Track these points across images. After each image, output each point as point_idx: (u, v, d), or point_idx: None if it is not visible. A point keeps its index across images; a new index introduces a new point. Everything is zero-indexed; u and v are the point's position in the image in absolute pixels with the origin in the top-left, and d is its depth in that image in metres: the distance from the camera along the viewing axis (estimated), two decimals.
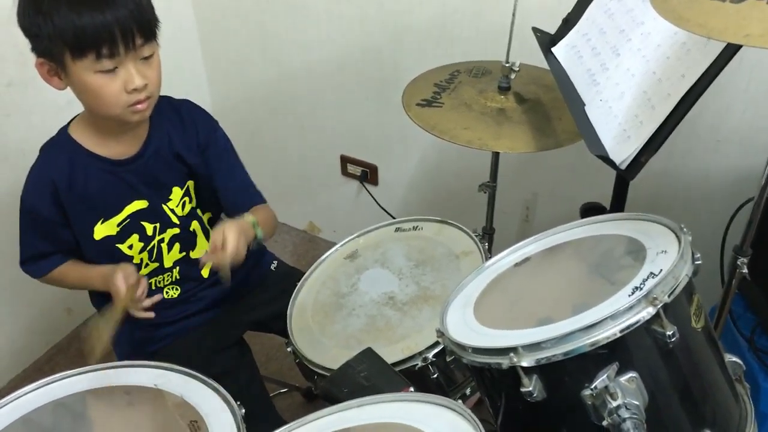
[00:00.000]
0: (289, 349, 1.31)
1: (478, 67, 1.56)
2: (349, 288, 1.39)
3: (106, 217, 1.32)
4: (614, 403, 0.82)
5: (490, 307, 1.02)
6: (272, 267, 1.58)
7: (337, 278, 1.42)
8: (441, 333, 1.00)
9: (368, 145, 2.19)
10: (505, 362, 0.85)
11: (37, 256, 1.35)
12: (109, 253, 1.34)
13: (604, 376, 0.83)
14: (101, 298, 1.39)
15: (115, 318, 1.23)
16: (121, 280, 1.24)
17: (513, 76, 1.44)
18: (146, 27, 1.17)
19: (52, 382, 1.14)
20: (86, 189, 1.29)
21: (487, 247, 1.38)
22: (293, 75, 2.17)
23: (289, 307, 1.37)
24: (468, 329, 0.98)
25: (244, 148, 2.43)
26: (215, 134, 1.42)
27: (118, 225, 1.33)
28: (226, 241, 1.19)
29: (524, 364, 0.84)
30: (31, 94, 1.77)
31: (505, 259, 1.13)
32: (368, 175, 2.23)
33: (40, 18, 1.12)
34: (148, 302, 1.31)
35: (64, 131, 1.31)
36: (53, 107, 1.71)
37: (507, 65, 1.43)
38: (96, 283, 1.35)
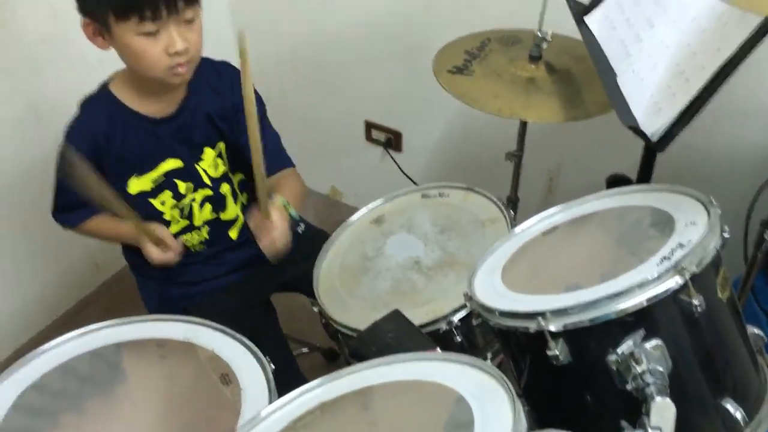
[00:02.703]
0: (315, 309, 1.34)
1: (509, 35, 1.56)
2: (375, 251, 1.41)
3: (141, 173, 1.35)
4: (639, 369, 0.84)
5: (517, 273, 1.04)
6: (299, 229, 1.60)
7: (363, 241, 1.44)
8: (469, 296, 1.02)
9: (393, 112, 2.20)
10: (532, 326, 0.88)
11: (71, 206, 1.39)
12: (142, 206, 1.37)
13: (630, 342, 0.85)
14: (133, 252, 1.43)
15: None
16: (153, 250, 1.32)
17: (544, 45, 1.43)
18: None
19: (88, 333, 1.18)
20: (124, 144, 1.32)
21: (512, 215, 1.39)
22: (321, 40, 2.17)
23: (315, 268, 1.40)
24: (495, 293, 1.00)
25: (270, 112, 2.44)
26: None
27: (153, 181, 1.37)
28: (277, 238, 1.27)
29: (551, 328, 0.86)
30: (64, 50, 1.78)
31: (533, 227, 1.15)
32: (392, 141, 2.24)
33: None
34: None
35: (104, 87, 1.34)
36: (85, 65, 1.73)
37: (539, 35, 1.42)
38: (126, 236, 1.39)
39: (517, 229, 1.15)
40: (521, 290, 0.99)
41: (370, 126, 2.26)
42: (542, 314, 0.87)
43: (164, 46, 1.19)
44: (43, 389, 1.08)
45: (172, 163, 1.37)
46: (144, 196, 1.37)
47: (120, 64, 1.30)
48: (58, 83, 1.80)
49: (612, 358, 0.86)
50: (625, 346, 0.85)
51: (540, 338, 0.88)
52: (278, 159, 1.48)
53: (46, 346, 1.15)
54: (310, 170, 2.51)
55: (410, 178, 2.22)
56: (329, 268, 1.41)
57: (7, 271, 1.89)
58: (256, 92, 1.44)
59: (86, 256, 2.07)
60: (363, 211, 1.52)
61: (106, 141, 1.31)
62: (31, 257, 1.93)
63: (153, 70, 1.22)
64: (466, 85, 1.40)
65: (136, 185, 1.36)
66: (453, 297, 1.22)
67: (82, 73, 1.76)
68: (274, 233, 1.28)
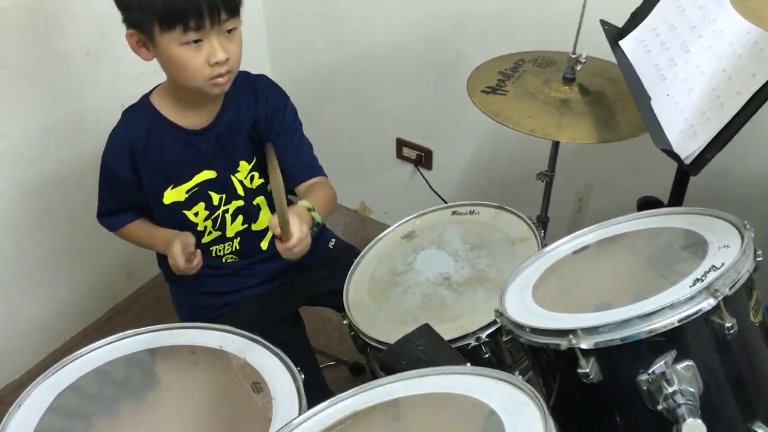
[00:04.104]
0: (345, 322, 1.36)
1: (543, 57, 1.58)
2: (405, 266, 1.43)
3: (176, 184, 1.38)
4: (670, 389, 0.84)
5: (548, 291, 1.05)
6: (330, 245, 1.63)
7: (393, 257, 1.46)
8: (500, 313, 1.03)
9: (424, 130, 2.22)
10: (563, 343, 0.88)
11: (111, 211, 1.44)
12: (175, 217, 1.40)
13: (662, 363, 0.86)
14: (165, 259, 1.47)
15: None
16: (178, 249, 1.31)
17: (578, 67, 1.45)
18: (231, 2, 1.22)
19: (124, 338, 1.21)
20: (161, 155, 1.35)
21: (542, 234, 1.40)
22: (355, 57, 2.20)
23: (346, 282, 1.41)
24: (526, 310, 1.01)
25: (303, 126, 2.48)
26: (285, 108, 1.47)
27: (187, 192, 1.39)
28: (292, 234, 1.19)
29: (583, 346, 0.87)
30: (106, 64, 1.83)
31: (564, 246, 1.16)
32: (423, 159, 2.26)
33: None
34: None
35: (145, 98, 1.37)
36: (126, 78, 1.78)
37: (573, 56, 1.44)
38: (158, 245, 1.42)
39: (548, 247, 1.16)
40: (552, 308, 1.00)
41: (401, 143, 2.28)
42: (573, 332, 0.88)
43: (206, 57, 1.22)
44: (78, 392, 1.11)
45: (206, 175, 1.40)
46: (178, 206, 1.40)
47: (158, 77, 1.34)
48: (100, 95, 1.85)
49: (643, 377, 0.87)
50: (657, 367, 0.86)
51: (571, 356, 0.88)
52: (310, 168, 1.50)
53: (83, 350, 1.18)
54: (340, 186, 2.52)
55: (440, 196, 2.23)
56: (359, 281, 1.42)
57: (43, 277, 1.93)
58: (291, 104, 1.49)
59: (119, 264, 2.11)
60: (394, 226, 1.54)
61: (143, 150, 1.35)
62: (66, 264, 1.97)
63: (194, 79, 1.25)
64: (499, 105, 1.42)
65: (171, 196, 1.39)
66: (482, 313, 1.23)
67: (123, 85, 1.82)
68: (292, 239, 1.20)
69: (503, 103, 1.42)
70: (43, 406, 1.07)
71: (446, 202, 2.19)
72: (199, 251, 1.35)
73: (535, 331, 0.93)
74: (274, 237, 1.40)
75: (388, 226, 1.55)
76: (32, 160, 1.78)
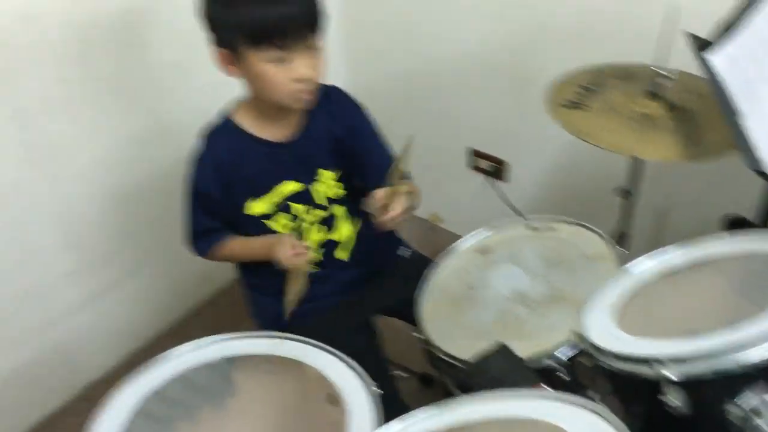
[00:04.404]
0: (417, 336, 1.35)
1: (625, 70, 1.54)
2: (480, 282, 1.41)
3: (259, 195, 1.41)
4: (761, 422, 0.81)
5: (631, 314, 1.02)
6: (403, 253, 1.63)
7: (468, 271, 1.45)
8: (580, 335, 1.01)
9: (499, 141, 2.20)
10: (649, 372, 0.86)
11: (205, 231, 1.45)
12: (259, 228, 1.43)
13: (752, 395, 0.82)
14: (249, 270, 1.50)
15: (298, 284, 1.38)
16: (290, 239, 1.35)
17: (663, 81, 1.41)
18: (316, 21, 1.25)
19: (204, 346, 1.24)
20: (247, 169, 1.38)
21: (622, 252, 1.37)
22: (431, 67, 2.20)
23: (419, 294, 1.41)
24: (609, 334, 0.99)
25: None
26: (362, 117, 1.50)
27: (271, 203, 1.42)
28: (395, 204, 1.30)
29: (671, 376, 0.84)
30: (188, 76, 1.89)
31: (647, 265, 1.12)
32: (497, 170, 2.23)
33: (223, 10, 1.23)
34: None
35: (225, 116, 1.41)
36: (207, 89, 1.82)
37: (656, 70, 1.40)
38: (258, 251, 1.43)
39: (631, 267, 1.13)
40: (636, 333, 0.97)
41: (475, 154, 2.27)
42: (660, 361, 0.85)
43: (291, 73, 1.25)
44: (162, 397, 1.14)
45: (290, 186, 1.42)
46: (262, 217, 1.42)
47: (235, 88, 1.37)
48: (182, 105, 1.91)
49: (733, 410, 0.83)
50: (748, 399, 0.82)
51: (656, 385, 0.86)
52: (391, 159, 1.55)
53: (166, 354, 1.22)
54: None
55: (513, 209, 2.21)
56: (433, 295, 1.42)
57: (125, 279, 2.00)
58: (367, 111, 1.53)
59: (197, 268, 2.16)
60: (468, 239, 1.53)
61: (231, 168, 1.38)
62: (146, 267, 2.04)
63: (279, 95, 1.29)
64: (580, 119, 1.39)
65: (255, 207, 1.41)
66: (559, 333, 1.21)
67: (204, 96, 1.86)
68: (395, 210, 1.31)
69: (583, 118, 1.39)
70: (129, 408, 1.11)
71: (520, 214, 2.18)
72: (308, 246, 1.39)
73: (618, 357, 0.91)
74: (356, 247, 1.49)
75: (460, 237, 1.54)
76: (118, 167, 1.84)
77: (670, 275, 1.08)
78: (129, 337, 2.08)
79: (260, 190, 1.41)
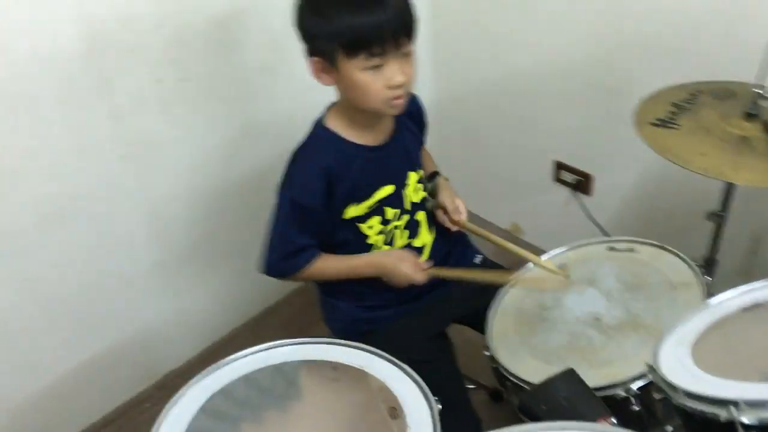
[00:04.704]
0: (486, 353, 1.33)
1: (723, 88, 1.46)
2: (554, 301, 1.38)
3: (360, 201, 1.41)
4: None
5: (708, 351, 0.97)
6: (476, 261, 1.62)
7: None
8: (652, 368, 0.97)
9: (585, 154, 2.14)
10: (723, 414, 0.81)
11: (296, 250, 1.43)
12: (349, 230, 1.43)
13: None
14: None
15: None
16: (411, 256, 1.44)
17: (764, 102, 1.33)
18: (410, 27, 1.25)
19: (273, 348, 1.26)
20: (350, 175, 1.38)
21: (708, 280, 1.30)
22: (517, 76, 2.16)
23: (490, 309, 1.39)
24: (682, 369, 0.94)
25: (461, 142, 2.48)
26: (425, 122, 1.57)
27: (369, 207, 1.42)
28: (460, 207, 1.50)
29: (745, 420, 0.80)
30: (278, 79, 1.92)
31: (732, 300, 1.06)
32: (582, 184, 2.17)
33: (319, 20, 1.24)
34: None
35: (320, 125, 1.40)
36: (296, 92, 1.86)
37: (757, 90, 1.32)
38: (365, 271, 1.44)
39: (714, 299, 1.07)
40: (712, 371, 0.92)
41: (559, 166, 2.21)
42: (735, 403, 0.80)
43: (386, 80, 1.26)
44: (228, 396, 1.17)
45: (386, 190, 1.43)
46: (355, 220, 1.42)
47: (323, 92, 1.37)
48: (270, 108, 1.94)
49: None
50: None
51: (730, 428, 0.81)
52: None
53: (236, 355, 1.24)
54: (492, 203, 2.52)
55: (597, 224, 2.14)
56: (505, 312, 1.39)
57: (207, 274, 2.06)
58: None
59: None
60: (546, 256, 1.49)
61: (337, 177, 1.36)
62: (227, 264, 2.09)
63: (374, 102, 1.29)
64: (669, 139, 1.33)
65: (353, 211, 1.41)
66: (634, 362, 1.16)
67: (294, 101, 1.90)
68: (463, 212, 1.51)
69: (673, 138, 1.33)
70: (196, 406, 1.14)
71: (603, 231, 2.11)
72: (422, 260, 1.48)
73: (690, 395, 0.87)
74: (432, 253, 1.53)
75: (540, 250, 1.51)
76: (206, 166, 1.90)
77: (755, 311, 1.02)
78: (206, 331, 2.14)
79: (362, 195, 1.41)
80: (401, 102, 1.30)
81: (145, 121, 1.72)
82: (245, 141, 1.95)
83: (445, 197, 1.52)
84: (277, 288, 2.26)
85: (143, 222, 1.83)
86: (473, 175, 2.44)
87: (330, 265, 1.45)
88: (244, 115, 1.92)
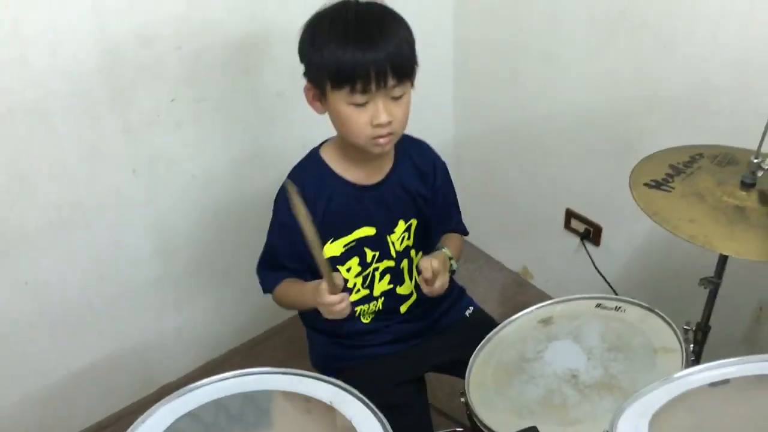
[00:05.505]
0: (462, 400, 1.33)
1: (725, 153, 1.44)
2: (535, 354, 1.37)
3: (336, 237, 1.42)
4: None
5: (670, 426, 0.95)
6: (467, 313, 1.61)
7: (525, 340, 1.40)
8: None
9: (596, 204, 2.12)
10: None
11: (273, 264, 1.46)
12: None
13: None
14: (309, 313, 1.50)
15: None
16: (324, 286, 1.30)
17: (761, 173, 1.31)
18: (400, 70, 1.25)
19: (246, 375, 1.27)
20: (328, 207, 1.39)
21: (692, 348, 1.28)
22: (535, 122, 2.17)
23: (472, 357, 1.39)
24: None
25: (476, 184, 2.48)
26: (446, 178, 1.52)
27: (345, 246, 1.43)
28: (437, 276, 1.37)
29: None
30: (295, 105, 1.95)
31: (699, 374, 1.04)
32: (591, 234, 2.16)
33: (313, 49, 1.27)
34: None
35: (315, 153, 1.44)
36: (308, 120, 1.88)
37: (755, 160, 1.30)
38: (309, 297, 1.35)
39: (679, 373, 1.05)
40: None
41: (570, 214, 2.21)
42: None
43: (369, 117, 1.27)
44: (195, 419, 1.18)
45: (366, 231, 1.43)
46: (333, 261, 1.41)
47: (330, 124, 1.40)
48: (284, 133, 1.98)
49: None
50: None
51: None
52: (457, 222, 1.59)
53: (208, 380, 1.25)
54: (504, 246, 2.52)
55: (602, 275, 2.12)
56: (486, 361, 1.38)
57: (210, 292, 2.09)
58: (448, 172, 1.52)
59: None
60: (533, 308, 1.48)
61: (313, 201, 1.37)
62: (230, 284, 2.12)
63: (357, 137, 1.30)
64: (660, 201, 1.32)
65: (329, 250, 1.41)
66: (603, 423, 1.14)
67: (304, 128, 1.92)
68: (438, 281, 1.38)
69: (664, 201, 1.32)
70: (161, 428, 1.15)
71: (608, 282, 2.09)
72: (346, 294, 1.35)
73: None
74: (415, 302, 1.51)
75: (546, 295, 1.50)
76: (215, 185, 1.94)
77: (724, 389, 1.00)
78: (204, 348, 2.17)
79: (338, 231, 1.41)
80: (384, 141, 1.30)
81: (158, 138, 1.77)
82: (255, 163, 1.98)
83: (423, 260, 1.40)
84: (275, 315, 2.27)
85: (149, 235, 1.88)
86: (487, 216, 2.44)
87: (291, 290, 1.45)
88: (257, 139, 1.96)
